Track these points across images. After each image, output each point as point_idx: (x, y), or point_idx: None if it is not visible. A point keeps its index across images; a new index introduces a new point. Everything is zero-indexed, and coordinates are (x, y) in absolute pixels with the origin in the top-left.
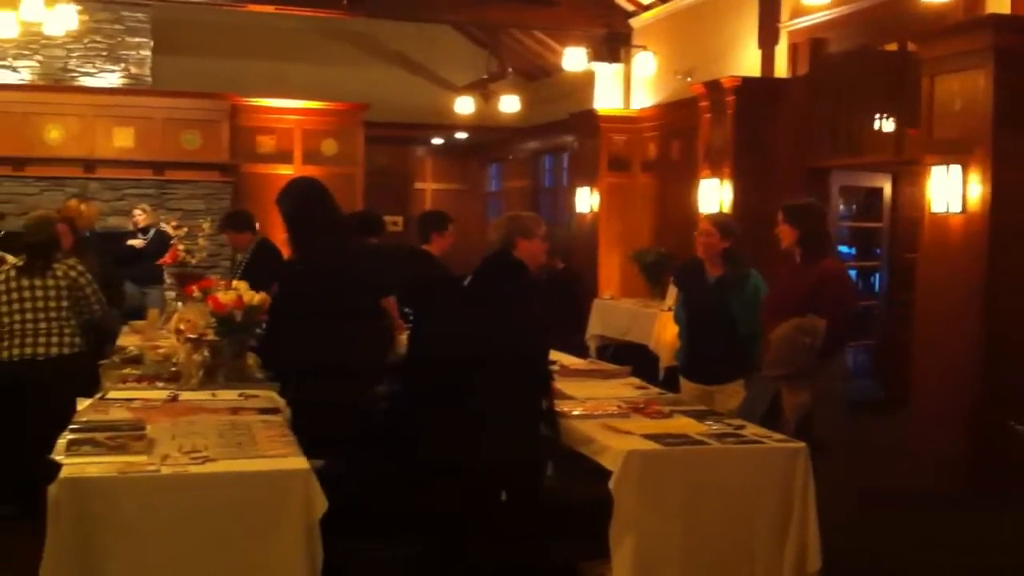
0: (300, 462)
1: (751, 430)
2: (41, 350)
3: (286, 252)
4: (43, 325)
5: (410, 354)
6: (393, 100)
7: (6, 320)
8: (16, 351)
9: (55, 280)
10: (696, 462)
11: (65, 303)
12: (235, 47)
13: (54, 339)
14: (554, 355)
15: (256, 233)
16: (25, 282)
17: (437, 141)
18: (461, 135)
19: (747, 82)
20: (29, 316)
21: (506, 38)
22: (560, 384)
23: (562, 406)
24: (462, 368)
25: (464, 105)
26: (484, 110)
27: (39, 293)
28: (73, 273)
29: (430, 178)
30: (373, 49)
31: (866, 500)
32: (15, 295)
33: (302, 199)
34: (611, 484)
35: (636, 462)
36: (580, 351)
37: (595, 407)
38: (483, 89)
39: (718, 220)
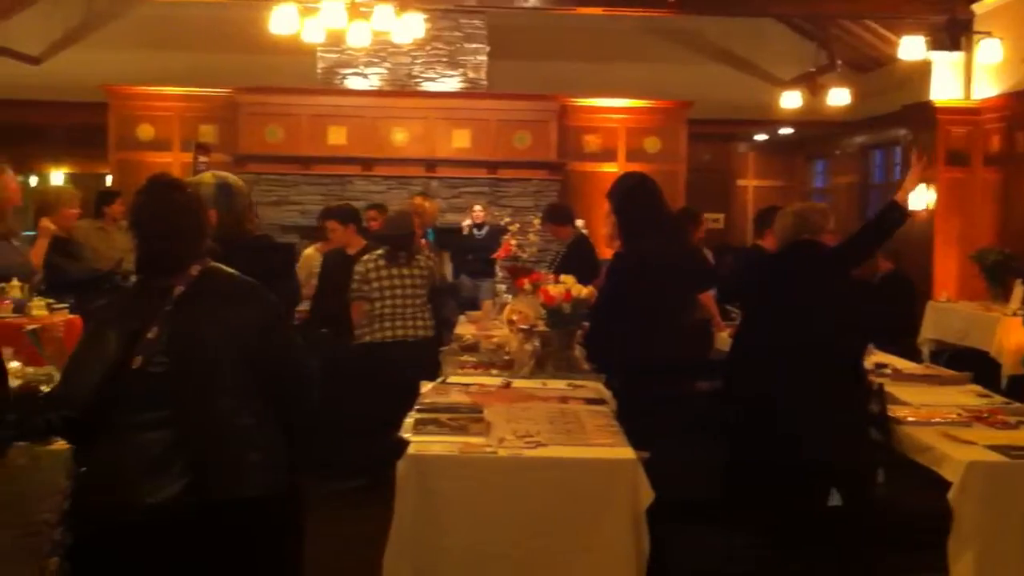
0: (627, 452)
1: None
2: (410, 332)
3: (602, 249)
4: (410, 310)
5: (734, 348)
6: (717, 96)
7: (378, 305)
8: (388, 333)
9: (419, 269)
10: None
11: (424, 291)
12: (564, 49)
13: (419, 323)
14: (886, 359)
15: (575, 228)
16: (394, 271)
17: (760, 137)
18: (786, 130)
19: None
20: (399, 302)
21: (835, 29)
22: (893, 389)
23: (895, 411)
24: (775, 362)
25: (790, 99)
26: (811, 104)
27: (407, 281)
28: (430, 263)
29: (752, 175)
30: (697, 46)
31: None
32: (385, 282)
33: (632, 194)
34: (950, 496)
35: (979, 474)
36: (913, 355)
37: (931, 414)
38: (810, 82)
39: None
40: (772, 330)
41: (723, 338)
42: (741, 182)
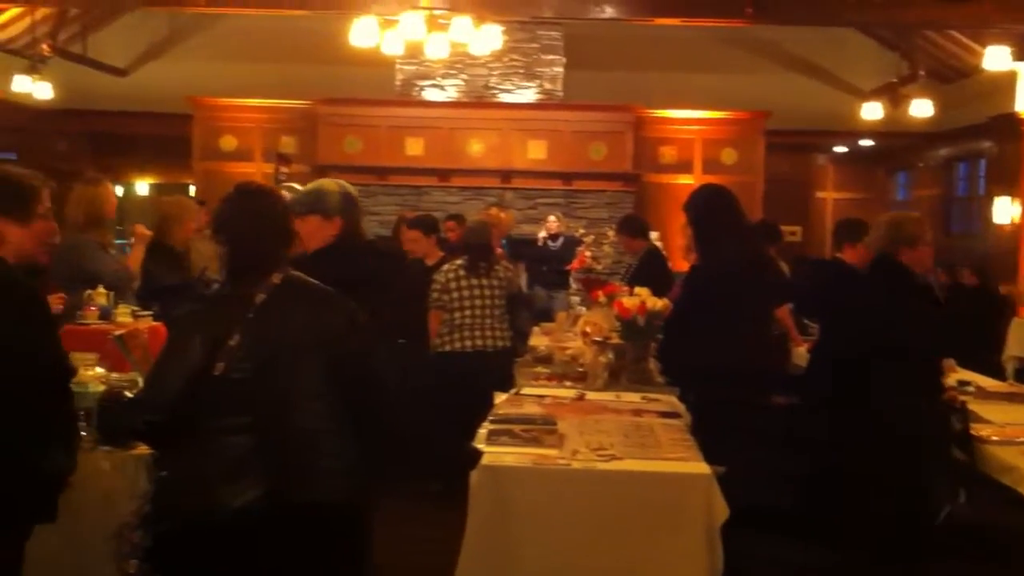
0: (702, 467)
1: None
2: (489, 342)
3: (677, 261)
4: (488, 320)
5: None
6: (795, 107)
7: (457, 315)
8: (468, 343)
9: (498, 280)
10: None
11: (502, 301)
12: (640, 59)
13: (498, 333)
14: (968, 376)
15: (648, 240)
16: (474, 281)
17: (840, 148)
18: (866, 142)
19: None
20: (478, 312)
21: (918, 39)
22: (976, 407)
23: (978, 430)
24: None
25: (871, 110)
26: (892, 115)
27: (486, 291)
28: (508, 274)
29: (831, 187)
30: (775, 55)
31: None
32: (465, 292)
33: (708, 206)
34: None
35: None
36: (996, 373)
37: (1015, 433)
38: (892, 93)
39: None
40: (854, 344)
41: (800, 352)
42: (820, 194)
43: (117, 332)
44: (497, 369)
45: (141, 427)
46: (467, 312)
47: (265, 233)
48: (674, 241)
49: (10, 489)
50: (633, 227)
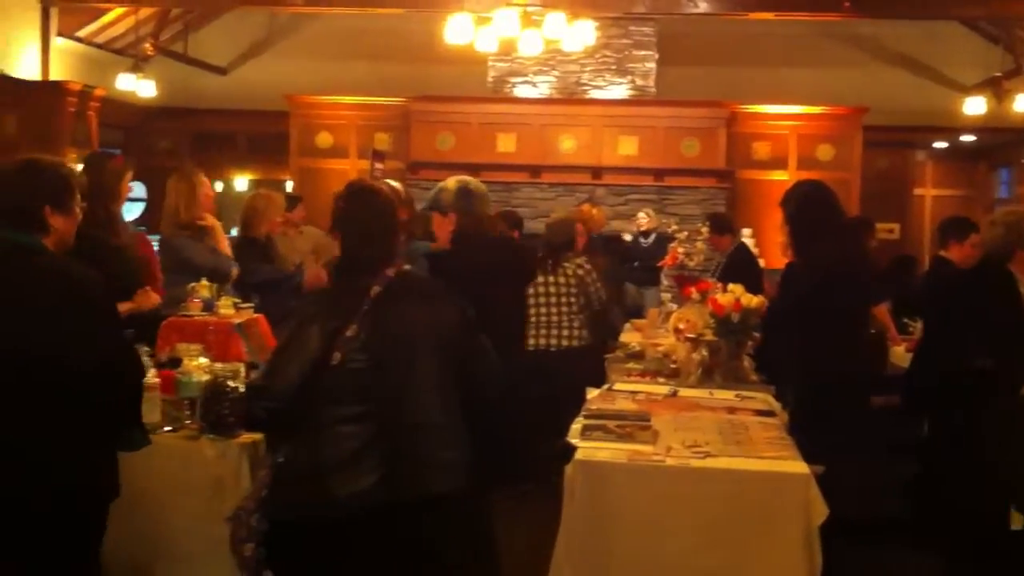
0: (800, 466)
1: None
2: (553, 341)
3: (770, 259)
4: (555, 319)
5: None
6: (893, 102)
7: (532, 312)
8: (531, 341)
9: (565, 278)
10: None
11: (573, 299)
12: (734, 55)
13: (563, 332)
14: None
15: (736, 237)
16: (540, 278)
17: (940, 144)
18: (967, 137)
19: None
20: (543, 310)
21: (1021, 31)
22: None
23: None
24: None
25: (974, 105)
26: (995, 110)
27: (551, 289)
28: (580, 272)
29: (931, 184)
30: (873, 50)
31: None
32: (533, 289)
33: (805, 202)
34: None
35: None
36: None
37: None
38: (995, 87)
39: None
40: (959, 347)
41: (899, 352)
42: (919, 191)
43: (237, 320)
44: (565, 369)
45: (261, 414)
46: (532, 311)
47: (375, 228)
48: (769, 238)
49: (91, 470)
50: (719, 225)
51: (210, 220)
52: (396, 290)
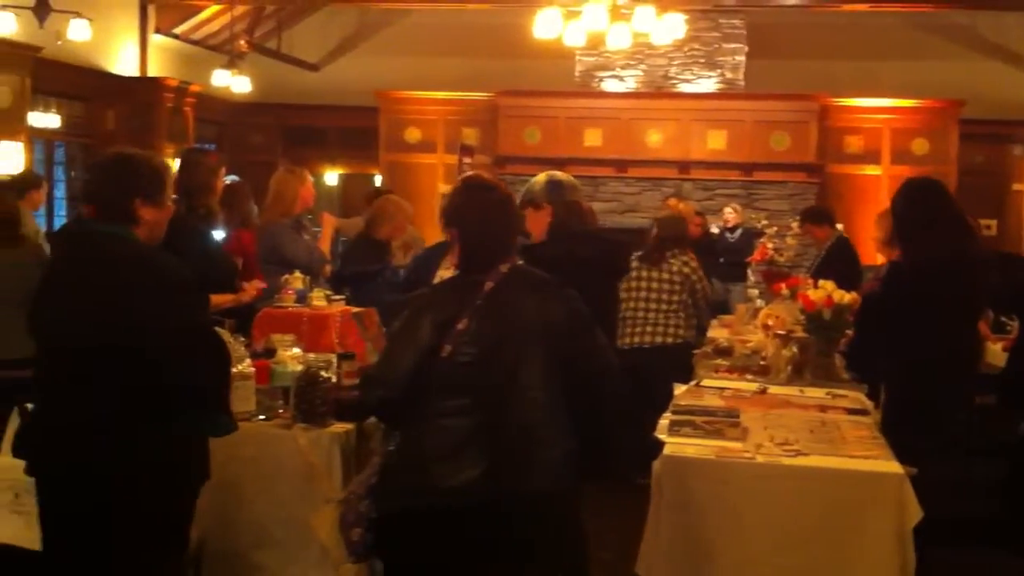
0: (894, 466)
1: None
2: (647, 339)
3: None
4: (651, 315)
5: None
6: (991, 95)
7: (630, 307)
8: (634, 339)
9: (669, 274)
10: None
11: (676, 296)
12: (825, 47)
13: (659, 328)
14: None
15: (835, 229)
16: (645, 273)
17: None
18: None
19: None
20: (642, 305)
21: None
22: None
23: None
24: None
25: None
26: None
27: (655, 285)
28: (687, 269)
29: None
30: (970, 41)
31: None
32: (633, 284)
33: (914, 198)
34: None
35: None
36: None
37: None
38: None
39: None
40: None
41: (994, 351)
42: (1017, 186)
43: (355, 310)
44: (659, 366)
45: (374, 403)
46: (634, 305)
47: (493, 224)
48: (862, 234)
49: (176, 448)
50: (818, 215)
51: (329, 219)
52: (508, 285)
